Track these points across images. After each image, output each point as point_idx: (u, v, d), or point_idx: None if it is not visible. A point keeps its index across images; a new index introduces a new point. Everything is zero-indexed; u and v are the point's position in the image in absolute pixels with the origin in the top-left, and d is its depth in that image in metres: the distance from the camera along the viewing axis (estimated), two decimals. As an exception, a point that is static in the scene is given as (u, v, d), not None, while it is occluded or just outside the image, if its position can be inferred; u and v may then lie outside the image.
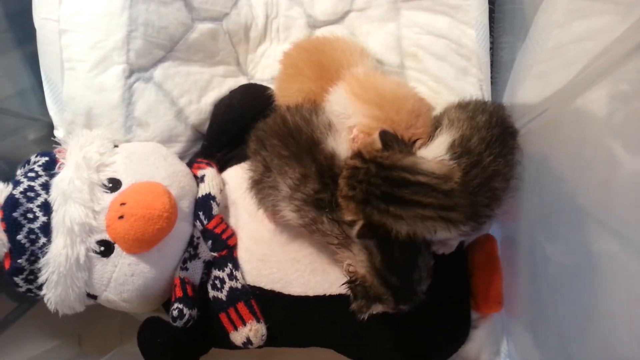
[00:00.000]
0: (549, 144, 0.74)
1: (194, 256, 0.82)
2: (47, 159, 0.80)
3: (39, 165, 0.79)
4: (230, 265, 0.80)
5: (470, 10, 0.90)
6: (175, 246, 0.80)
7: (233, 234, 0.83)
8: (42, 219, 0.74)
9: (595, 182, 0.60)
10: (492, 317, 0.86)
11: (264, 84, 1.00)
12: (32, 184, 0.76)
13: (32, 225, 0.73)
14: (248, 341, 0.77)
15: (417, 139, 0.68)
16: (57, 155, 0.80)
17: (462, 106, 0.80)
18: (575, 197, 0.65)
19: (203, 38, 0.97)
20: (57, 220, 0.72)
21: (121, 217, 0.72)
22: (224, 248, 0.81)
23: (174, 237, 0.78)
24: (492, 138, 0.70)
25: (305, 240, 0.80)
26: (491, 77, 0.92)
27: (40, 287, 0.73)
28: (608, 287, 0.56)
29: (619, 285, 0.55)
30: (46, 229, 0.73)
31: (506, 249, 0.88)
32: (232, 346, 0.79)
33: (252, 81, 1.04)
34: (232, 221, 0.85)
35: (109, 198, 0.75)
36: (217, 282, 0.79)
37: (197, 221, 0.82)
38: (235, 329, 0.78)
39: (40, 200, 0.75)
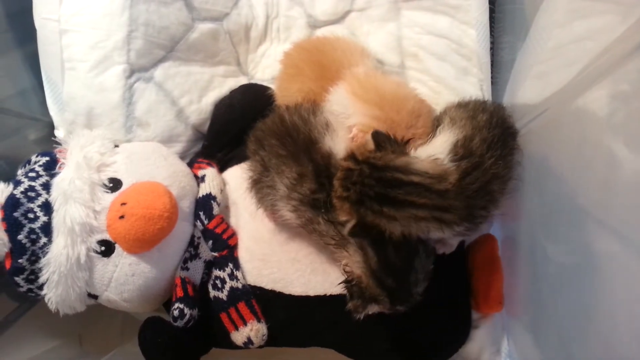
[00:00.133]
0: (550, 144, 0.74)
1: (195, 256, 0.82)
2: (47, 158, 0.80)
3: (40, 165, 0.79)
4: (231, 265, 0.80)
5: (470, 10, 0.90)
6: (176, 246, 0.81)
7: (234, 234, 0.83)
8: (43, 218, 0.74)
9: (595, 182, 0.60)
10: (493, 317, 0.86)
11: (265, 84, 1.00)
12: (33, 183, 0.76)
13: (32, 225, 0.74)
14: (249, 341, 0.77)
15: (410, 139, 0.68)
16: (57, 155, 0.80)
17: (462, 105, 0.80)
18: (576, 197, 0.65)
19: (204, 38, 0.97)
20: (58, 220, 0.72)
21: (122, 217, 0.72)
22: (225, 248, 0.81)
23: (174, 237, 0.78)
24: (493, 138, 0.70)
25: (305, 240, 0.80)
26: (492, 77, 0.92)
27: (41, 287, 0.74)
28: (608, 287, 0.56)
29: (619, 285, 0.55)
30: (47, 229, 0.73)
31: (507, 248, 0.88)
32: (232, 346, 0.79)
33: (253, 81, 1.04)
34: (233, 221, 0.86)
35: (109, 198, 0.75)
36: (217, 282, 0.79)
37: (198, 221, 0.82)
38: (236, 328, 0.78)
39: (41, 200, 0.75)
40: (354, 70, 0.83)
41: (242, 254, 0.82)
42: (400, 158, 0.62)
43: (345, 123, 0.76)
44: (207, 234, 0.81)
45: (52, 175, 0.76)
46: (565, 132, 0.70)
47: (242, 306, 0.78)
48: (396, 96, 0.77)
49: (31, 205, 0.74)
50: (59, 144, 0.83)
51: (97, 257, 0.74)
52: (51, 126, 0.93)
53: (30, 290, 0.76)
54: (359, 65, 0.85)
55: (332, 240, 0.70)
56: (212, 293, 0.80)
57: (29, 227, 0.73)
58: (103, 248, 0.74)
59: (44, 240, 0.73)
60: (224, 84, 0.99)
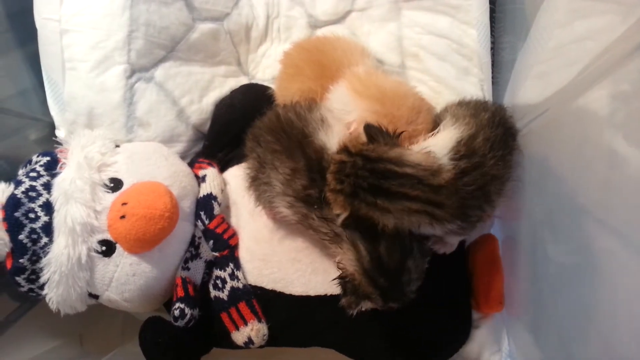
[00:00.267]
0: (550, 143, 0.74)
1: (196, 256, 0.82)
2: (48, 158, 0.80)
3: (41, 165, 0.79)
4: (231, 265, 0.80)
5: (471, 10, 0.90)
6: (177, 246, 0.81)
7: (234, 234, 0.83)
8: (44, 218, 0.74)
9: (596, 182, 0.60)
10: (493, 317, 0.86)
11: (265, 83, 1.00)
12: (34, 183, 0.76)
13: (33, 225, 0.74)
14: (249, 341, 0.77)
15: (402, 132, 0.68)
16: (58, 155, 0.80)
17: (464, 104, 0.80)
18: (576, 196, 0.65)
19: (204, 38, 0.97)
20: (59, 220, 0.72)
21: (123, 217, 0.72)
22: (226, 248, 0.81)
23: (175, 237, 0.78)
24: (496, 138, 0.69)
25: (306, 240, 0.80)
26: (492, 77, 0.92)
27: (42, 287, 0.74)
28: (608, 287, 0.57)
29: (620, 285, 0.55)
30: (48, 229, 0.73)
31: (507, 248, 0.88)
32: (233, 346, 0.79)
33: (253, 81, 1.04)
34: (234, 221, 0.86)
35: (110, 198, 0.75)
36: (218, 281, 0.80)
37: (199, 221, 0.82)
38: (237, 328, 0.78)
39: (41, 200, 0.75)
40: (353, 69, 0.83)
41: (243, 253, 0.82)
42: (393, 150, 0.63)
43: (345, 119, 0.76)
44: (208, 233, 0.81)
45: (53, 175, 0.76)
46: (566, 132, 0.70)
47: (242, 306, 0.78)
48: (397, 93, 0.77)
49: (32, 205, 0.74)
50: (59, 144, 0.83)
51: (98, 257, 0.74)
52: (52, 126, 0.93)
53: (31, 290, 0.76)
54: (359, 64, 0.85)
55: (327, 236, 0.70)
56: (213, 293, 0.80)
57: (30, 227, 0.73)
58: (104, 248, 0.74)
59: (45, 240, 0.73)
60: (225, 84, 1.00)
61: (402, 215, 0.60)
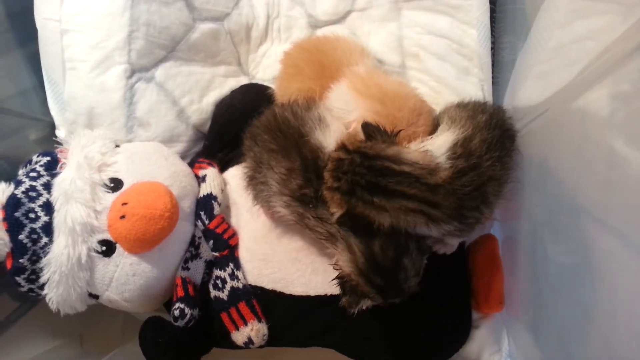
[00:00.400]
0: (550, 144, 0.74)
1: (196, 256, 0.82)
2: (48, 158, 0.80)
3: (41, 165, 0.79)
4: (231, 265, 0.80)
5: (471, 10, 0.90)
6: (177, 246, 0.81)
7: (234, 234, 0.83)
8: (44, 218, 0.74)
9: (596, 182, 0.60)
10: (493, 317, 0.86)
11: (266, 83, 1.00)
12: (34, 183, 0.76)
13: (33, 225, 0.74)
14: (249, 341, 0.77)
15: (400, 130, 0.68)
16: (58, 155, 0.80)
17: (462, 106, 0.80)
18: (576, 196, 0.65)
19: (204, 38, 0.97)
20: (59, 220, 0.72)
21: (123, 216, 0.72)
22: (226, 248, 0.81)
23: (175, 237, 0.78)
24: (492, 140, 0.69)
25: (306, 240, 0.80)
26: (492, 77, 0.92)
27: (42, 287, 0.74)
28: (608, 287, 0.57)
29: (620, 285, 0.55)
30: (48, 229, 0.73)
31: (507, 248, 0.88)
32: (233, 346, 0.79)
33: (254, 81, 1.04)
34: (234, 221, 0.86)
35: (110, 198, 0.75)
36: (218, 281, 0.80)
37: (199, 221, 0.82)
38: (237, 328, 0.78)
39: (42, 200, 0.75)
40: (353, 69, 0.83)
41: (243, 253, 0.82)
42: (391, 147, 0.63)
43: (345, 118, 0.76)
44: (208, 233, 0.81)
45: (53, 175, 0.76)
46: (566, 132, 0.70)
47: (242, 306, 0.78)
48: (398, 94, 0.77)
49: (32, 205, 0.74)
50: (60, 143, 0.83)
51: (98, 257, 0.74)
52: (52, 126, 0.93)
53: (31, 290, 0.76)
54: (359, 64, 0.85)
55: (323, 236, 0.70)
56: (213, 293, 0.80)
57: (30, 227, 0.73)
58: (104, 248, 0.74)
59: (45, 240, 0.73)
60: (225, 84, 1.00)
61: (398, 214, 0.60)
